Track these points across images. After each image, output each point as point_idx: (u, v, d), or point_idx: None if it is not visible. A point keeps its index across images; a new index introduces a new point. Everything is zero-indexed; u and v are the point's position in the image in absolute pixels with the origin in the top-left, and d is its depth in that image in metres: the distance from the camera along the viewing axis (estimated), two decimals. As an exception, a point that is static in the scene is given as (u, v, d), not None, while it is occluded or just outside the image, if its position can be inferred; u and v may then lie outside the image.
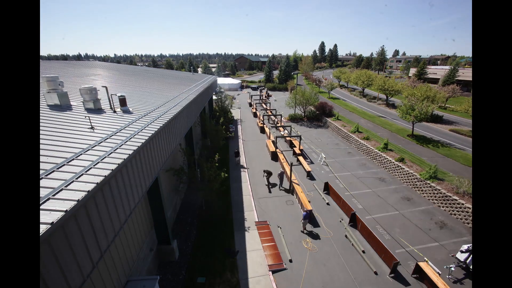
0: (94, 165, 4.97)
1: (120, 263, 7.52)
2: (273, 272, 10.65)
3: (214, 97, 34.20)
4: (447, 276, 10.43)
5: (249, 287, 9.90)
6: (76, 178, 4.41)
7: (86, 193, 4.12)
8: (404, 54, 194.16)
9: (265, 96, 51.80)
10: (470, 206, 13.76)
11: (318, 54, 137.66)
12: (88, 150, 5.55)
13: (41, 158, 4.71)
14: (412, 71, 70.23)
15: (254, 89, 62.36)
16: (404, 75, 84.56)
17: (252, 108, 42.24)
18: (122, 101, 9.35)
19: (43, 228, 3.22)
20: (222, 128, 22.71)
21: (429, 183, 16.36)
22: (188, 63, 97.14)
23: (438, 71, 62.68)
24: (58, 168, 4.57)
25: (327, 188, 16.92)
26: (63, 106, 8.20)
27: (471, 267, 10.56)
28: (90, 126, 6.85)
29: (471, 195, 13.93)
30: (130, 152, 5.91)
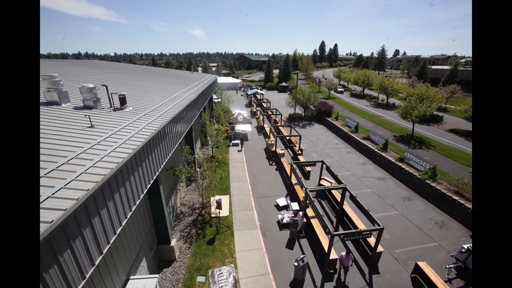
0: (93, 164, 4.96)
1: (120, 262, 7.52)
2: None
3: (214, 96, 34.18)
4: (446, 276, 10.45)
5: (249, 286, 9.92)
6: (76, 177, 4.41)
7: (85, 191, 4.12)
8: (404, 54, 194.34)
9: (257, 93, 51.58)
10: (470, 206, 13.77)
11: (318, 53, 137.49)
12: (88, 149, 5.54)
13: (41, 157, 4.71)
14: (413, 71, 70.17)
15: (254, 88, 62.39)
16: (404, 75, 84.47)
17: (252, 108, 42.28)
18: (122, 100, 9.35)
19: (43, 227, 3.22)
20: (223, 127, 22.72)
21: (428, 183, 16.37)
22: (187, 62, 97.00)
23: (438, 71, 62.66)
24: (57, 167, 4.57)
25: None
26: (63, 104, 8.19)
27: (470, 267, 10.58)
28: (90, 125, 6.85)
29: (471, 195, 13.95)
30: (130, 151, 5.91)
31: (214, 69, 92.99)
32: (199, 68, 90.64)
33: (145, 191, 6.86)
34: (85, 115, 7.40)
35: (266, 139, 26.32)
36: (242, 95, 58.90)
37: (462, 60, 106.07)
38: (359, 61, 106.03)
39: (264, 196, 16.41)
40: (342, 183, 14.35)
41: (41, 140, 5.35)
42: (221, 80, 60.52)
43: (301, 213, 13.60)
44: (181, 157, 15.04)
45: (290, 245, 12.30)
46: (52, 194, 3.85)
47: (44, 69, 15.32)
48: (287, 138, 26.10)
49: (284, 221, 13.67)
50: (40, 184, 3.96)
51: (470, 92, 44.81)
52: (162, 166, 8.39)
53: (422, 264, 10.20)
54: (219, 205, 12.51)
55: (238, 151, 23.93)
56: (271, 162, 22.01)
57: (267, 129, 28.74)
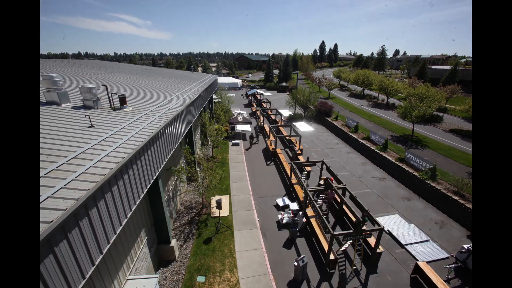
0: (93, 164, 4.96)
1: (120, 262, 7.52)
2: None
3: (214, 96, 34.18)
4: (446, 276, 10.45)
5: (249, 287, 9.92)
6: (76, 177, 4.41)
7: (85, 191, 4.12)
8: (404, 53, 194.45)
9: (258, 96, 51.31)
10: (470, 206, 13.77)
11: (318, 53, 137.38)
12: (88, 149, 5.53)
13: (41, 157, 4.70)
14: (413, 71, 70.16)
15: (253, 88, 62.36)
16: (404, 75, 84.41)
17: (252, 108, 42.29)
18: (122, 100, 9.35)
19: (43, 227, 3.22)
20: (223, 127, 22.72)
21: (428, 183, 16.37)
22: (187, 62, 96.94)
23: (438, 71, 62.69)
24: (57, 167, 4.56)
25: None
26: (63, 104, 8.19)
27: (470, 267, 10.58)
28: (90, 125, 6.85)
29: (471, 195, 13.95)
30: (130, 151, 5.91)
31: (214, 69, 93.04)
32: (199, 68, 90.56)
33: (145, 191, 6.86)
34: (85, 115, 7.40)
35: (266, 139, 26.32)
36: (241, 95, 58.82)
37: (462, 60, 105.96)
38: (359, 61, 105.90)
39: (264, 196, 16.41)
40: (342, 183, 14.35)
41: (41, 140, 5.34)
42: (221, 80, 60.55)
43: (301, 213, 13.60)
44: (181, 157, 15.04)
45: (290, 245, 12.30)
46: (52, 194, 3.85)
47: (44, 69, 15.31)
48: (287, 138, 26.11)
49: (284, 221, 13.67)
50: (40, 184, 3.96)
51: (470, 92, 44.80)
52: (162, 166, 8.39)
53: (422, 264, 10.20)
54: (219, 205, 12.50)
55: (239, 150, 23.68)
56: (271, 162, 22.01)
57: (267, 129, 28.73)
